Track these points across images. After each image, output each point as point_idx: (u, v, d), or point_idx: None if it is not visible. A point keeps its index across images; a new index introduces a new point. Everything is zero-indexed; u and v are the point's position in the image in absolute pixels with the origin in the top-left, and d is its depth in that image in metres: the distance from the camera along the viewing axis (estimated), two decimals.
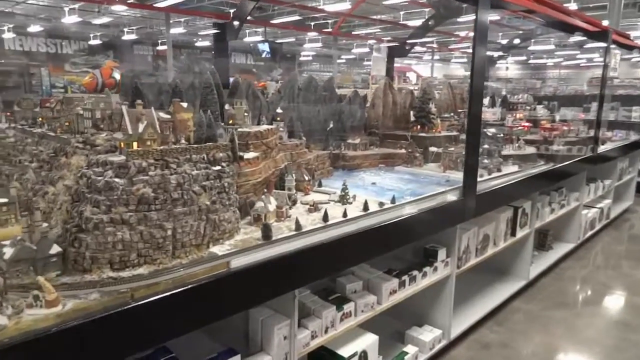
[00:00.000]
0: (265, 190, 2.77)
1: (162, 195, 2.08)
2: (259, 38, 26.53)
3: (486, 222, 4.41)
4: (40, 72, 18.71)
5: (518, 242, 5.07)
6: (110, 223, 1.95)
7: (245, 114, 3.27)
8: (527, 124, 6.10)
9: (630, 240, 7.53)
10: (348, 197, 3.20)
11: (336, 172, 4.51)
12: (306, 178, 3.53)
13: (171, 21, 24.81)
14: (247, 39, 28.69)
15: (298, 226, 2.60)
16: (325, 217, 2.76)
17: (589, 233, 7.01)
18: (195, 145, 2.36)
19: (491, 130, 5.45)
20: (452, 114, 6.19)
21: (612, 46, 6.57)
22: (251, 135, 3.20)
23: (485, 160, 4.65)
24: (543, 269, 5.76)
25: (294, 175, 3.19)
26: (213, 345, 2.70)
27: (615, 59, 6.51)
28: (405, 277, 3.44)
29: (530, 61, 41.18)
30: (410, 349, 3.68)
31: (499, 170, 4.58)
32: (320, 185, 3.73)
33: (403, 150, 5.00)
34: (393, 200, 3.24)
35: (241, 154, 3.03)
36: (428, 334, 3.87)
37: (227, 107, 3.29)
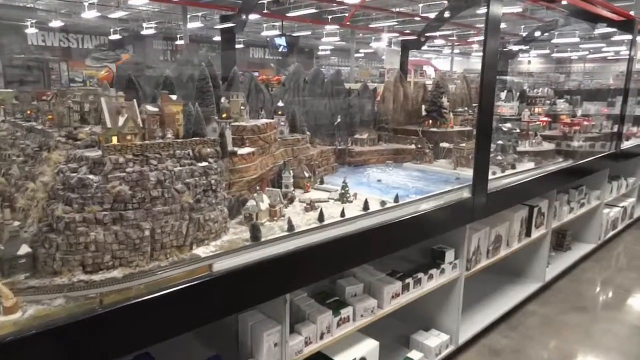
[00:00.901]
0: (258, 187, 2.63)
1: (140, 193, 1.96)
2: (276, 32, 26.41)
3: (499, 222, 4.19)
4: (59, 67, 18.92)
5: (533, 243, 4.83)
6: (83, 222, 1.84)
7: (242, 107, 3.13)
8: (545, 118, 5.82)
9: None
10: (348, 195, 3.04)
11: (342, 169, 4.35)
12: (306, 175, 3.38)
13: (189, 15, 24.86)
14: (265, 33, 28.61)
15: (290, 226, 2.45)
16: (321, 217, 2.60)
17: (611, 233, 6.70)
18: (180, 140, 2.23)
19: (507, 126, 5.21)
20: (466, 108, 5.95)
21: (639, 37, 6.23)
22: (247, 130, 3.06)
23: (499, 157, 4.42)
24: (560, 271, 5.50)
25: (291, 172, 3.04)
26: (202, 350, 2.59)
27: None
28: (410, 280, 3.27)
29: (554, 55, 40.17)
30: (415, 354, 3.51)
31: (513, 167, 4.35)
32: (322, 182, 3.58)
33: (412, 146, 4.80)
34: (396, 199, 3.07)
35: (235, 149, 2.90)
36: (434, 339, 3.70)
37: (223, 100, 3.16)
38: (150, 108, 2.41)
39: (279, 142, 3.54)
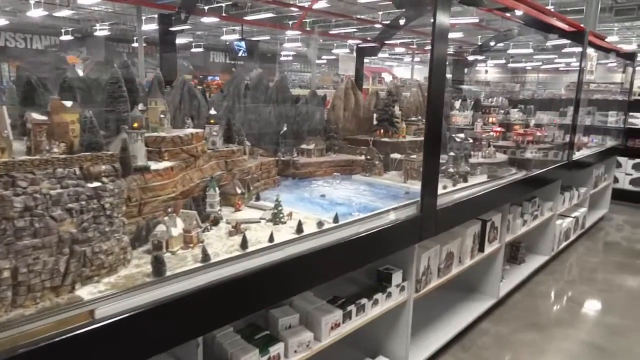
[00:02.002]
0: (170, 210, 2.26)
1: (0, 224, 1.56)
2: (236, 36, 25.93)
3: (450, 239, 3.97)
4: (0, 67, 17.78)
5: (487, 258, 4.65)
6: None
7: (162, 115, 2.75)
8: (498, 129, 5.71)
9: (606, 251, 7.21)
10: (281, 215, 2.71)
11: (285, 182, 4.02)
12: (238, 191, 3.03)
13: (144, 17, 24.03)
14: (224, 37, 28.06)
15: (205, 256, 2.10)
16: (244, 244, 2.26)
17: (564, 244, 6.67)
18: (63, 156, 1.84)
19: (460, 136, 5.03)
20: (420, 117, 5.76)
21: (589, 49, 6.24)
22: (167, 142, 2.68)
23: (451, 169, 4.21)
24: (514, 285, 5.36)
25: (217, 189, 2.68)
26: None
27: (592, 61, 6.17)
28: (352, 307, 2.97)
29: (510, 65, 41.48)
30: None
31: (465, 180, 4.15)
32: (257, 198, 3.24)
33: (362, 157, 4.54)
34: (335, 219, 2.77)
35: (150, 163, 2.52)
36: None
37: (140, 107, 2.77)
38: (36, 116, 2.01)
39: (209, 154, 3.17)
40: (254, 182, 3.58)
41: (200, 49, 31.18)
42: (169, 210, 2.24)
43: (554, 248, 6.30)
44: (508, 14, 5.82)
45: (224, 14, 21.41)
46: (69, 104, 2.15)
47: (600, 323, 4.86)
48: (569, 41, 6.60)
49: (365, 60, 6.96)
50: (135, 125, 2.42)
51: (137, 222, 2.30)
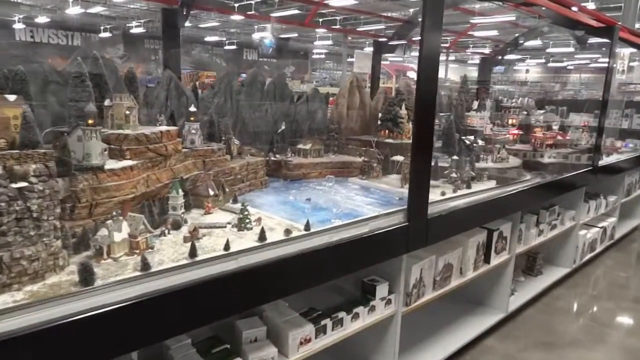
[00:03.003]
0: (115, 213, 2.11)
1: None
2: (267, 34, 25.96)
3: (449, 248, 3.69)
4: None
5: (494, 270, 4.33)
6: None
7: (128, 112, 2.61)
8: (516, 131, 5.34)
9: (637, 265, 6.68)
10: (247, 221, 2.52)
11: (274, 184, 3.85)
12: (210, 193, 2.87)
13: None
14: (255, 35, 28.18)
15: (145, 265, 1.94)
16: (193, 252, 2.09)
17: (588, 256, 6.20)
18: None
19: (470, 138, 4.72)
20: None
21: (620, 48, 5.76)
22: (130, 139, 2.54)
23: (454, 174, 3.92)
24: (528, 299, 4.99)
25: (180, 191, 2.53)
26: None
27: (624, 59, 5.69)
28: (327, 321, 2.76)
29: (550, 64, 39.88)
30: None
31: (468, 186, 3.85)
32: (235, 201, 3.07)
33: (361, 159, 4.31)
34: (307, 226, 2.56)
35: (111, 162, 2.39)
36: None
37: (107, 102, 2.65)
38: None
39: (184, 153, 3.02)
40: (237, 183, 3.43)
41: (234, 47, 31.48)
42: (114, 213, 2.09)
43: (576, 260, 5.86)
44: (530, 9, 5.46)
45: (252, 12, 21.48)
46: (11, 97, 2.04)
47: (621, 346, 4.45)
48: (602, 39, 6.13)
49: (392, 57, 6.67)
50: (90, 121, 2.29)
51: (84, 225, 2.17)
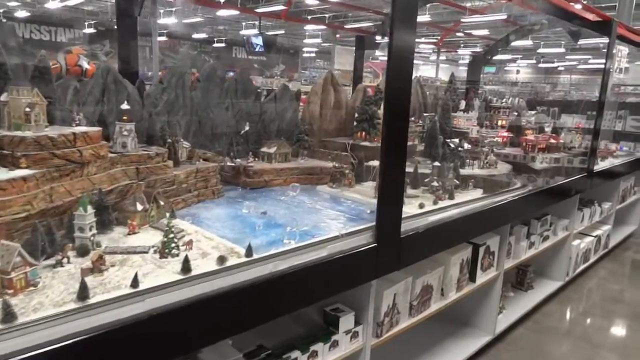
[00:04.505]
0: None
1: None
2: (255, 31, 25.44)
3: (429, 268, 3.24)
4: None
5: (481, 288, 3.88)
6: None
7: (28, 109, 2.11)
8: (505, 134, 4.91)
9: (633, 275, 6.29)
10: (173, 245, 2.04)
11: (230, 193, 3.37)
12: (138, 208, 2.38)
13: (162, 10, 23.80)
14: (243, 32, 27.58)
15: (7, 314, 1.45)
16: (82, 293, 1.60)
17: (582, 267, 5.79)
18: None
19: (455, 141, 4.27)
20: (413, 118, 5.00)
21: (619, 47, 5.36)
22: (26, 143, 2.05)
23: (435, 183, 3.47)
24: (518, 317, 4.56)
25: (89, 208, 2.03)
26: None
27: (621, 57, 5.28)
28: None
29: (541, 65, 39.74)
30: None
31: (451, 196, 3.40)
32: (173, 216, 2.58)
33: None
34: (248, 252, 2.09)
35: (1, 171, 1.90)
36: None
37: (3, 97, 2.15)
38: None
39: (111, 159, 2.53)
40: (182, 194, 2.94)
41: (223, 44, 30.87)
42: None
43: (569, 272, 5.45)
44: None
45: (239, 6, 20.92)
46: None
47: None
48: (599, 39, 5.72)
49: (383, 57, 6.24)
50: None
51: None
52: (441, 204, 3.28)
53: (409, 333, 3.19)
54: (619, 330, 4.79)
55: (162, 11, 24.57)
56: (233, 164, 3.54)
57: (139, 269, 1.90)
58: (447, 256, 3.38)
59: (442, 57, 36.14)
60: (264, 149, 3.83)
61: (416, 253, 2.80)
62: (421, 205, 3.10)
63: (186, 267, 1.87)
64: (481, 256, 3.71)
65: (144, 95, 3.37)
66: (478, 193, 3.70)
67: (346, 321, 2.61)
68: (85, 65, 5.07)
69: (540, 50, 26.69)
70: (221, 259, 1.99)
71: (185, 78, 3.55)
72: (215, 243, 2.24)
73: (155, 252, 2.05)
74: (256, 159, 3.85)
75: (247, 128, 4.03)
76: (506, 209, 3.75)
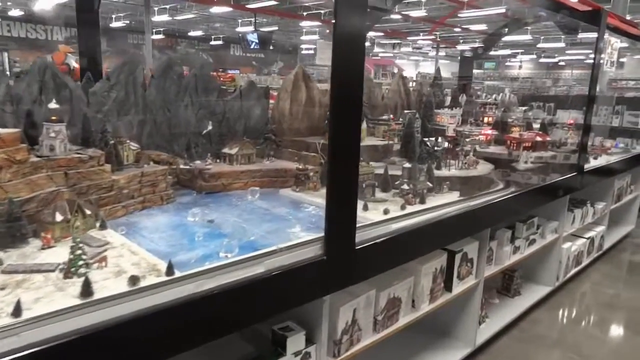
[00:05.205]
0: None
1: None
2: (251, 28, 25.17)
3: (395, 279, 2.98)
4: (2, 56, 17.68)
5: (459, 298, 3.63)
6: None
7: None
8: (489, 131, 4.64)
9: (628, 279, 6.03)
10: (80, 263, 1.79)
11: (183, 198, 3.12)
12: (58, 218, 2.13)
13: (156, 8, 23.58)
14: (239, 29, 27.30)
15: None
16: None
17: (573, 271, 5.53)
18: None
19: (432, 140, 4.01)
20: (391, 116, 4.75)
21: (608, 36, 5.06)
22: None
23: (405, 186, 3.21)
24: (502, 325, 4.30)
25: None
26: None
27: (612, 49, 5.00)
28: None
29: (542, 60, 39.37)
30: None
31: (422, 200, 3.14)
32: (103, 226, 2.34)
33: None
34: (169, 270, 1.84)
35: None
36: None
37: None
38: None
39: (34, 164, 2.29)
40: (123, 200, 2.70)
41: (220, 42, 30.63)
42: None
43: (559, 277, 5.18)
44: None
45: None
46: None
47: None
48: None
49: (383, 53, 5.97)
50: None
51: None
52: (410, 208, 3.02)
53: (380, 346, 2.94)
54: (613, 338, 4.53)
55: (156, 9, 24.37)
56: (188, 167, 3.29)
57: (35, 292, 1.66)
58: (416, 265, 3.12)
59: (442, 53, 35.84)
60: (225, 150, 3.58)
61: (374, 266, 2.54)
62: (386, 211, 2.85)
63: (86, 290, 1.63)
64: (457, 264, 3.45)
65: (89, 93, 3.12)
66: (454, 196, 3.44)
67: (295, 341, 2.36)
68: (73, 64, 4.84)
69: (540, 45, 26.34)
70: (133, 279, 1.74)
71: (136, 74, 3.30)
72: (139, 258, 2.00)
73: (61, 271, 1.80)
74: (218, 161, 3.60)
75: (209, 127, 3.78)
76: (485, 212, 3.49)
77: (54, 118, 2.48)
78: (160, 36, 28.82)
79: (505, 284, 4.83)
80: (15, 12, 25.03)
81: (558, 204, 4.83)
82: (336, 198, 2.22)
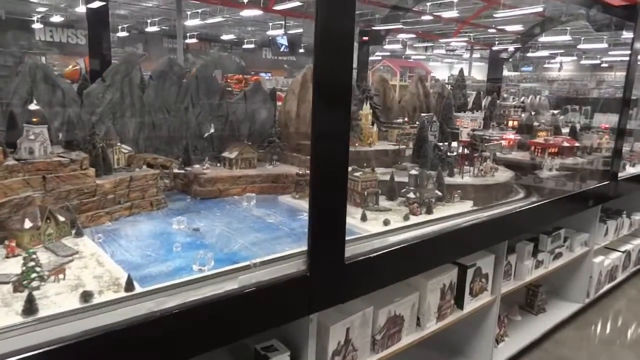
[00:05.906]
0: None
1: None
2: (282, 31, 25.24)
3: (397, 295, 2.75)
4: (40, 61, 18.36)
5: (472, 316, 3.35)
6: None
7: None
8: (512, 136, 4.33)
9: None
10: (33, 275, 1.67)
11: (175, 204, 2.99)
12: (27, 225, 2.03)
13: (188, 12, 23.97)
14: (270, 32, 27.44)
15: None
16: None
17: (607, 286, 5.11)
18: None
19: (446, 145, 3.75)
20: (406, 119, 4.51)
21: None
22: None
23: (412, 195, 2.97)
24: (523, 346, 3.98)
25: None
26: None
27: None
28: None
29: (584, 62, 37.80)
30: None
31: (428, 210, 2.90)
32: (79, 234, 2.22)
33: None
34: (129, 285, 1.69)
35: None
36: None
37: None
38: None
39: (9, 167, 2.20)
40: (108, 206, 2.59)
41: (252, 45, 30.91)
42: None
43: (590, 293, 4.79)
44: None
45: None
46: None
47: None
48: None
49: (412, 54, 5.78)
50: None
51: None
52: (415, 219, 2.79)
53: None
54: None
55: (189, 13, 24.82)
56: (183, 171, 3.16)
57: None
58: (422, 280, 2.88)
59: (477, 55, 34.90)
60: (225, 154, 3.45)
61: (371, 281, 2.32)
62: (386, 222, 2.63)
63: (29, 307, 1.49)
64: (470, 279, 3.18)
65: (83, 95, 3.05)
66: (467, 206, 3.18)
67: None
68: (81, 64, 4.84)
69: (580, 46, 25.21)
70: (84, 295, 1.59)
71: (133, 75, 3.21)
72: (103, 271, 1.86)
73: (13, 283, 1.68)
74: (218, 165, 3.47)
75: (211, 130, 3.66)
76: (502, 223, 3.21)
77: (35, 120, 2.39)
78: (194, 40, 29.38)
79: (528, 300, 4.48)
80: (56, 19, 26.02)
81: (588, 214, 4.46)
82: (320, 208, 2.02)
